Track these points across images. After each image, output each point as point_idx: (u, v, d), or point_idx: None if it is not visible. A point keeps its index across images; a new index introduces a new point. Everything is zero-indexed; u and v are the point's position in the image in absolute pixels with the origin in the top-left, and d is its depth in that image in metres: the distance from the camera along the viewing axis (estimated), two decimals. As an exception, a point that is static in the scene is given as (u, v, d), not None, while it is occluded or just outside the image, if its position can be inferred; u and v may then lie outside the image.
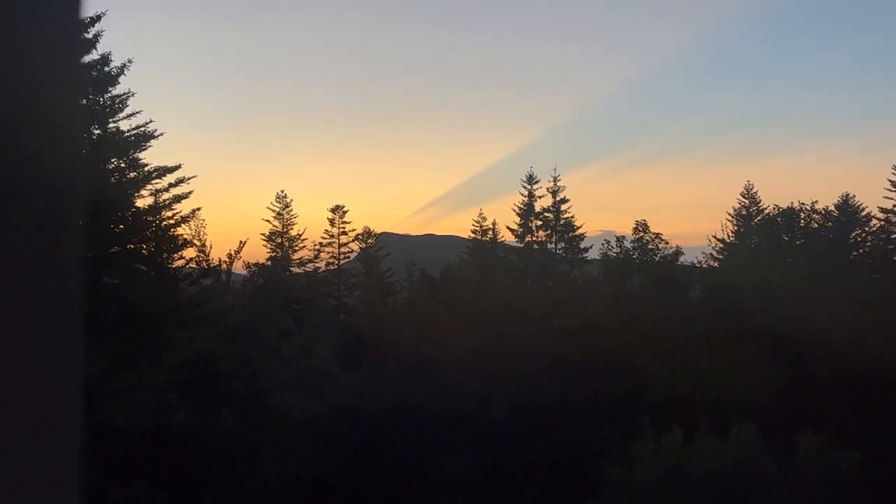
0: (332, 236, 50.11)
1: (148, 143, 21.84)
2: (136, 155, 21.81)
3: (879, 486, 21.68)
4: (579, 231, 46.22)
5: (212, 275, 29.03)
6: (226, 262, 34.05)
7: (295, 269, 47.14)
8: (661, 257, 42.17)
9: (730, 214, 46.29)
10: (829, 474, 19.87)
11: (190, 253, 25.76)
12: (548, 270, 46.40)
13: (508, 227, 47.34)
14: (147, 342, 20.31)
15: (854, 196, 45.30)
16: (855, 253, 45.98)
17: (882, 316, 31.55)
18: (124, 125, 21.45)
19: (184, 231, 24.39)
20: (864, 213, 45.62)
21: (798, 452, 20.47)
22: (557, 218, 46.19)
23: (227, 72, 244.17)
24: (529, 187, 46.75)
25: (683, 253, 42.85)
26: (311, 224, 77.26)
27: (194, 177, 22.47)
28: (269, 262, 43.84)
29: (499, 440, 28.00)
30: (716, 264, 44.97)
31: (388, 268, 49.71)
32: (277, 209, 47.54)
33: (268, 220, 47.37)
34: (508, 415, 29.69)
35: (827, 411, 24.37)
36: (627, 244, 42.78)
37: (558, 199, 46.27)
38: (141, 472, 19.11)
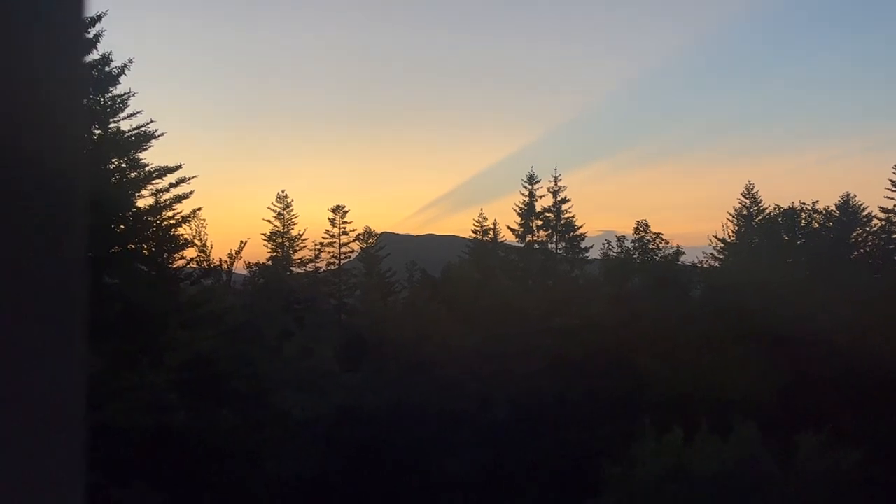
0: (332, 236, 50.16)
1: (149, 143, 21.81)
2: (136, 155, 21.79)
3: (880, 486, 21.69)
4: (580, 231, 46.27)
5: (212, 275, 29.00)
6: (226, 262, 34.04)
7: (296, 269, 47.18)
8: (661, 257, 42.16)
9: (730, 214, 46.37)
10: (829, 474, 19.86)
11: (191, 253, 25.78)
12: (548, 270, 46.38)
13: (509, 227, 47.42)
14: (148, 342, 20.29)
15: (855, 196, 45.43)
16: (856, 253, 45.98)
17: (883, 316, 31.51)
18: (125, 125, 21.44)
19: (184, 231, 24.36)
20: (864, 213, 45.65)
21: (799, 452, 20.46)
22: (558, 218, 46.18)
23: (228, 72, 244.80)
24: (530, 187, 46.78)
25: (684, 253, 42.91)
26: (311, 224, 77.72)
27: (195, 177, 22.44)
28: (269, 262, 43.83)
29: (499, 440, 27.98)
30: (716, 264, 44.95)
31: (388, 268, 49.70)
32: (278, 209, 47.61)
33: (268, 220, 47.50)
34: (509, 415, 29.66)
35: (827, 411, 24.38)
36: (628, 244, 42.80)
37: (559, 198, 46.31)
38: (141, 471, 19.09)
